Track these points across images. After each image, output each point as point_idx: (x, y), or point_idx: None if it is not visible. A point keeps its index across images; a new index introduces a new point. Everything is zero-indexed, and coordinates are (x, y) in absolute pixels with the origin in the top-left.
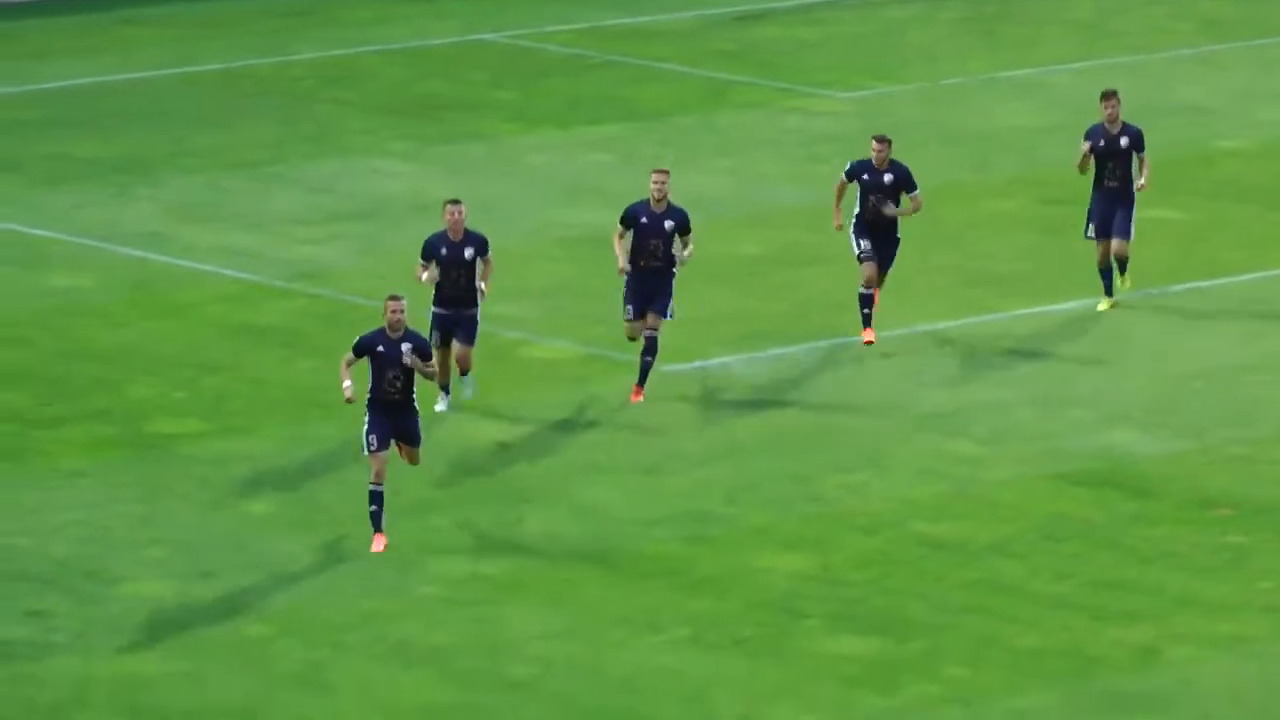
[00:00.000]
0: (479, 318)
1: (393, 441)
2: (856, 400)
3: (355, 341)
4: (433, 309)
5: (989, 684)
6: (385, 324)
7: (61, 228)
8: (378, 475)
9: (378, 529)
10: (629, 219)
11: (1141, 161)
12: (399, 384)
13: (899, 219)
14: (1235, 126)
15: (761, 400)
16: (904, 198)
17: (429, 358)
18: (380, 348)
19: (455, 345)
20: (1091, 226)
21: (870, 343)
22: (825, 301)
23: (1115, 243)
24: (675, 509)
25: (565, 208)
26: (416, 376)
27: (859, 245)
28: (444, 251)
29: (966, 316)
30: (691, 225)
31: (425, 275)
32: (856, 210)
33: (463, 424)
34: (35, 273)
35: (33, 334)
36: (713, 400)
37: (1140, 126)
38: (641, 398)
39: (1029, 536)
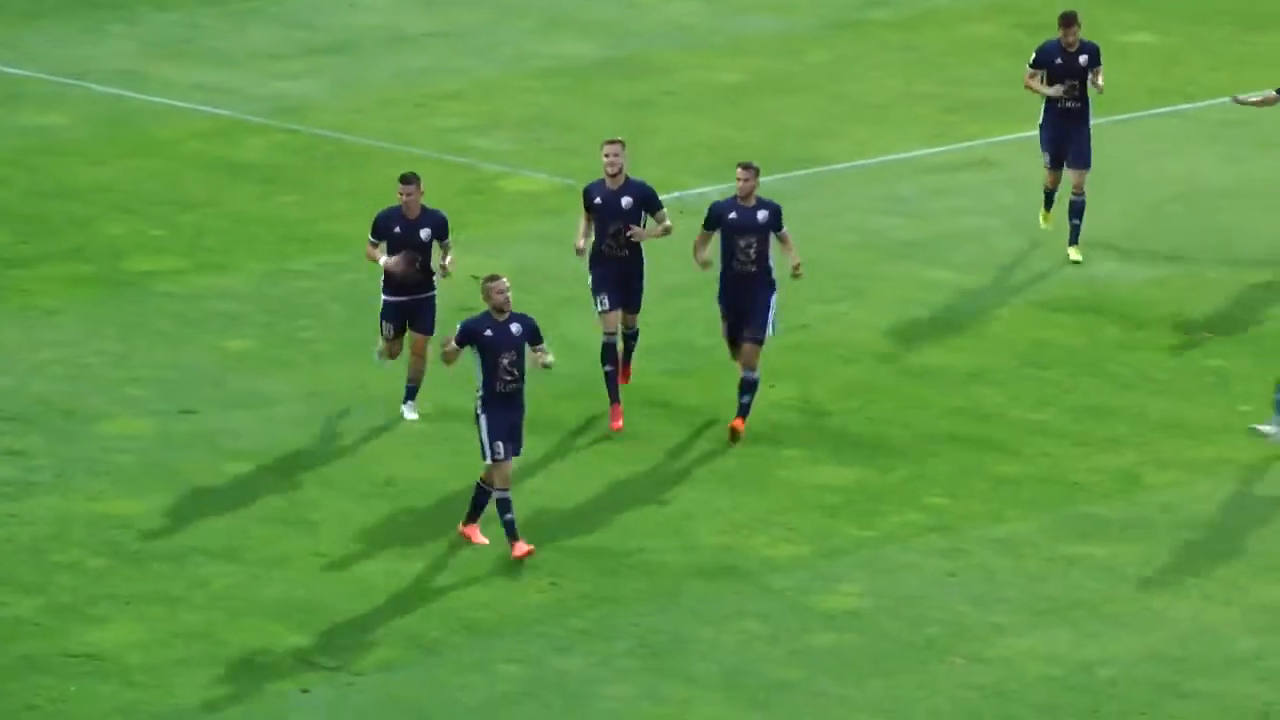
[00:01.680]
0: (436, 301)
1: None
2: (835, 229)
3: (459, 329)
4: (383, 296)
5: (970, 512)
6: (490, 306)
7: (37, 65)
8: (505, 481)
9: (514, 537)
10: (586, 200)
11: (1096, 73)
12: (515, 371)
13: (769, 260)
14: None
15: None
16: (776, 240)
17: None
18: (488, 332)
19: (411, 334)
20: (1046, 155)
21: (736, 434)
22: (802, 130)
23: (1073, 174)
24: (656, 340)
25: (542, 39)
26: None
27: (724, 321)
28: (397, 231)
29: (945, 143)
30: (660, 200)
31: (384, 260)
32: (721, 263)
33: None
34: (11, 111)
35: (9, 172)
36: (691, 231)
37: (1096, 42)
38: (621, 424)
39: (1011, 364)
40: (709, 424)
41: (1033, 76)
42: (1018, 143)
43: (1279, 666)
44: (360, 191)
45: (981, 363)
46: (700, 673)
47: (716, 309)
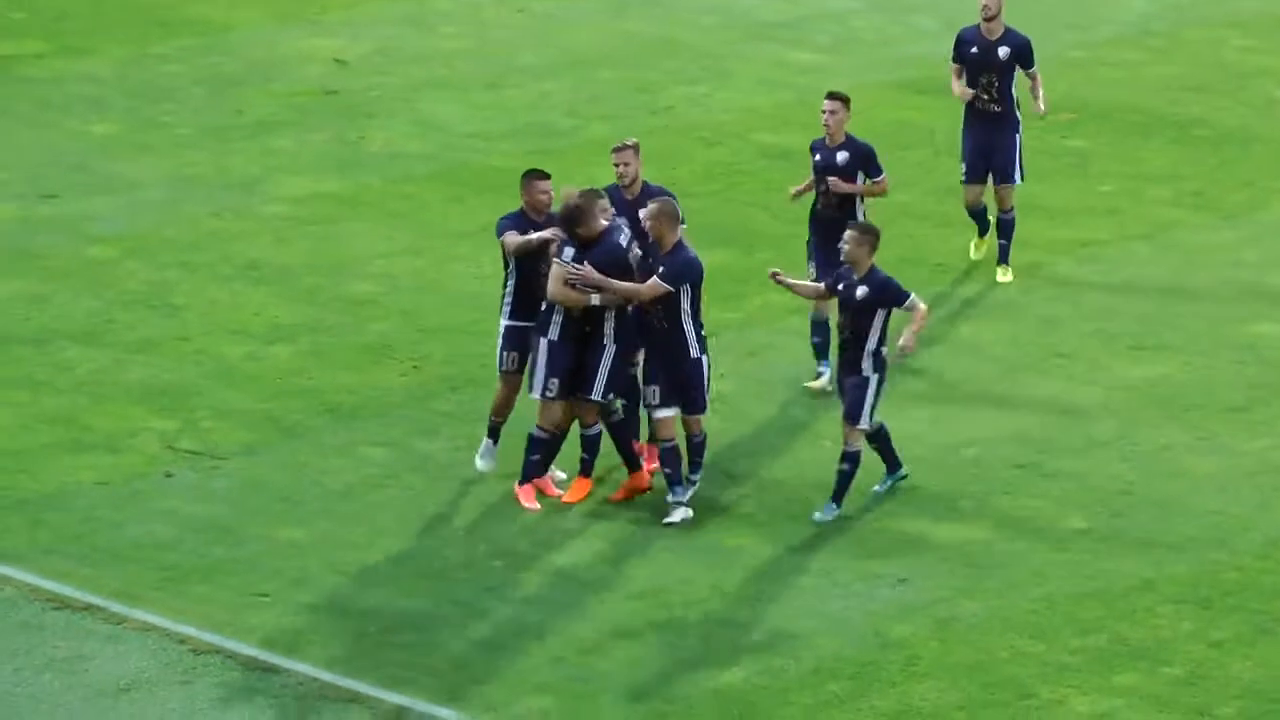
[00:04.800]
0: None
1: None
2: (698, 9)
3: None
4: (507, 322)
5: None
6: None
7: None
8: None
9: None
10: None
11: (1035, 81)
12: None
13: None
14: None
15: (602, 11)
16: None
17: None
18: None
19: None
20: (963, 166)
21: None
22: None
23: (998, 190)
24: (518, 123)
25: None
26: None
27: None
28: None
29: None
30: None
31: (540, 233)
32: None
33: (299, 40)
34: None
35: None
36: (553, 14)
37: (1028, 36)
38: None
39: (873, 144)
40: None
41: (958, 75)
42: None
43: (1140, 447)
44: None
45: None
46: (563, 454)
47: (578, 91)
